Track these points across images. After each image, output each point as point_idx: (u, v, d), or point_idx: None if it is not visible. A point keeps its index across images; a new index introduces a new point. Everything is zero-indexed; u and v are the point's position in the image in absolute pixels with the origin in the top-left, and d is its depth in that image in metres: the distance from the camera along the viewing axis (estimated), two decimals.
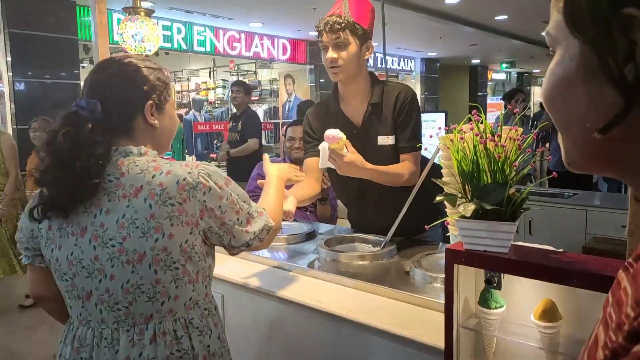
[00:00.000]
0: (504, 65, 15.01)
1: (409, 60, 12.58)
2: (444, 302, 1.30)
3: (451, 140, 0.98)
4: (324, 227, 2.27)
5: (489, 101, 14.62)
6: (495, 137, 0.94)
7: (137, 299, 1.01)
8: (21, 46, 5.55)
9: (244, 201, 1.12)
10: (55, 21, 5.70)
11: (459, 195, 0.99)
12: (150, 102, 1.08)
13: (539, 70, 16.05)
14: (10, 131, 5.96)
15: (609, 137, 0.39)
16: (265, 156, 1.65)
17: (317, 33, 1.76)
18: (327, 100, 1.95)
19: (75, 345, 1.05)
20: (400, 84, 1.89)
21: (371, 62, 11.86)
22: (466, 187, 0.97)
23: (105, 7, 1.90)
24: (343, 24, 1.69)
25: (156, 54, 3.19)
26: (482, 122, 0.94)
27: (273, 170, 1.49)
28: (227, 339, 1.21)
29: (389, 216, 1.67)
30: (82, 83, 3.92)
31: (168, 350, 1.02)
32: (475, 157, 0.94)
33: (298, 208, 2.66)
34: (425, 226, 1.07)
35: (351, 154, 1.62)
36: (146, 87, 1.08)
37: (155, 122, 1.09)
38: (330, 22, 1.69)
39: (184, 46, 7.24)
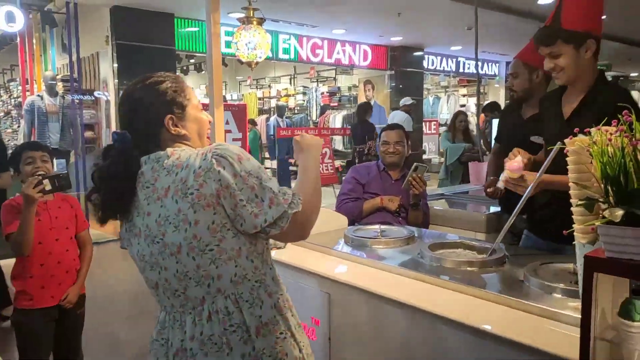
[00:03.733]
0: None
1: (493, 64, 12.14)
2: (567, 313, 1.26)
3: (594, 142, 0.94)
4: (418, 232, 2.25)
5: None
6: None
7: (188, 285, 1.13)
8: (126, 56, 6.02)
9: (257, 177, 1.09)
10: (156, 33, 6.13)
11: (601, 200, 0.94)
12: (169, 116, 1.17)
13: (637, 74, 14.74)
14: None
15: None
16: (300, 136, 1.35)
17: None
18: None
19: (157, 328, 1.23)
20: None
21: (453, 66, 11.56)
22: (609, 191, 0.93)
23: (219, 18, 2.01)
24: None
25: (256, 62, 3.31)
26: (632, 123, 0.89)
27: (308, 142, 1.29)
28: (299, 320, 1.25)
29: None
30: None
31: (222, 326, 1.12)
32: (622, 160, 0.89)
33: (390, 213, 2.66)
34: (564, 231, 1.03)
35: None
36: (160, 104, 1.17)
37: (182, 131, 1.19)
38: None
39: (269, 54, 7.49)
